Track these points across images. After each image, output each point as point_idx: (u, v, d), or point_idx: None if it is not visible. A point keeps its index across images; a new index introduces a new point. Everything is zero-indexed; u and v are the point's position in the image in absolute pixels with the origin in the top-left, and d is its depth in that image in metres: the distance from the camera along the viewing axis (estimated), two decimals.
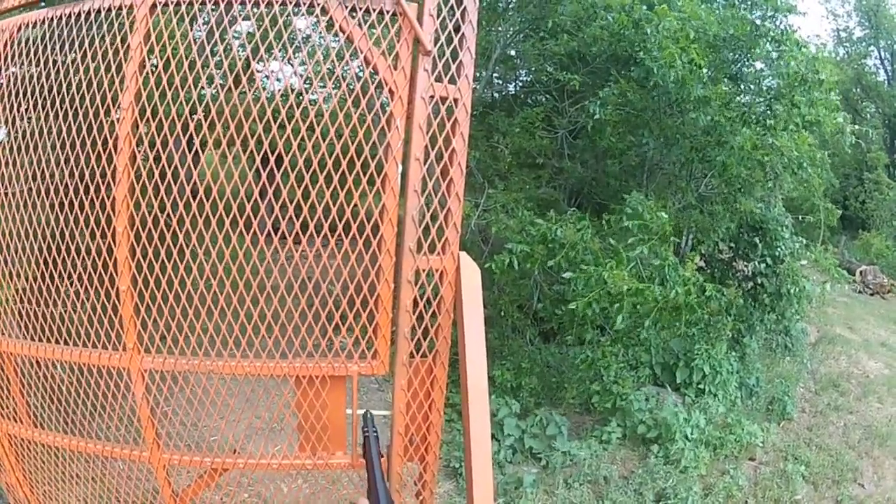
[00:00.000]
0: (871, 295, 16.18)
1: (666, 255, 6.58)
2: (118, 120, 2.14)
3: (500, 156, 8.55)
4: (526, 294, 8.44)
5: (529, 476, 6.91)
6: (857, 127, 8.99)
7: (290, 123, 2.04)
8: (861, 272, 16.59)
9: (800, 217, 10.40)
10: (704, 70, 7.12)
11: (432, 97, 2.04)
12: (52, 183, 2.37)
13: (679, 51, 6.81)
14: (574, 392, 8.00)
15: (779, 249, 9.03)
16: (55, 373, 2.72)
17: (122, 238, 2.20)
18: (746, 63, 8.60)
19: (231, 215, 2.13)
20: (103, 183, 2.23)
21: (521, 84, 10.80)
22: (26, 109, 2.35)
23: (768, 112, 8.10)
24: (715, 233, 8.53)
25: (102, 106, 2.17)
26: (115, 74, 2.14)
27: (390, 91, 2.06)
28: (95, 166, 2.21)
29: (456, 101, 2.07)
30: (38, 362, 2.72)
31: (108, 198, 2.21)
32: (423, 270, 2.04)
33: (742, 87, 8.76)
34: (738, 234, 9.21)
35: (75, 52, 2.23)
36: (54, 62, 2.27)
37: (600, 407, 7.81)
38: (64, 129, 2.24)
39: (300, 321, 2.14)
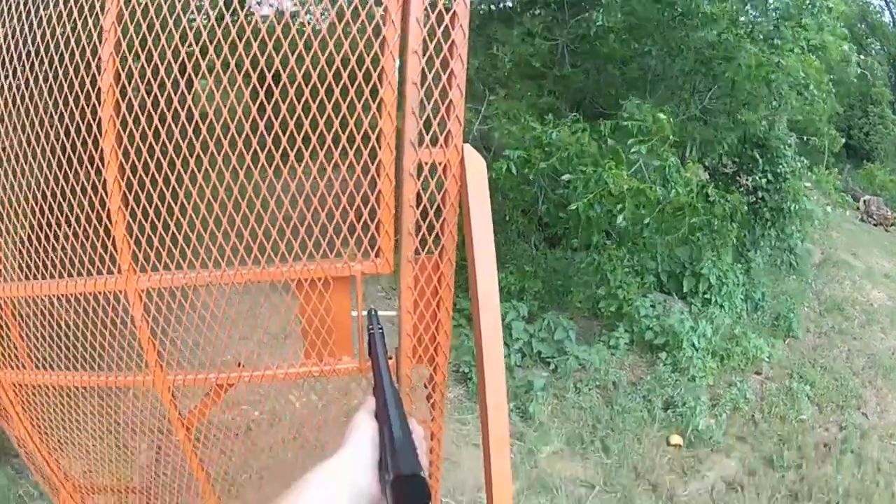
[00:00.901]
0: (875, 226, 16.18)
1: (666, 155, 6.49)
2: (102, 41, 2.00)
3: (500, 64, 8.40)
4: (530, 199, 8.38)
5: (540, 380, 7.01)
6: (862, 57, 8.86)
7: (286, 40, 1.92)
8: (865, 201, 16.60)
9: (804, 139, 10.28)
10: None
11: None
12: (41, 128, 2.24)
13: None
14: (581, 296, 8.06)
15: (780, 166, 9.04)
16: (53, 310, 2.65)
17: (111, 157, 2.10)
18: None
19: (229, 136, 2.02)
20: (89, 107, 2.11)
21: None
22: (13, 65, 2.20)
23: (775, 31, 7.94)
24: (719, 145, 8.47)
25: (84, 31, 2.04)
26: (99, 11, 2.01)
27: (385, 10, 1.93)
28: (80, 91, 2.09)
29: None
30: (35, 301, 2.64)
31: (95, 120, 2.09)
32: (426, 164, 1.94)
33: (749, 5, 8.55)
34: (742, 149, 9.16)
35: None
36: (35, 9, 2.13)
37: (606, 311, 7.89)
38: (46, 61, 2.13)
39: (299, 224, 2.05)
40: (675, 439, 6.58)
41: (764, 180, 9.01)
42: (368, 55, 1.92)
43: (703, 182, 7.19)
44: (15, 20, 2.17)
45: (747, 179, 9.30)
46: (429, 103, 1.93)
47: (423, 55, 1.91)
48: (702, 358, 7.54)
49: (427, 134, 1.93)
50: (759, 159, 8.99)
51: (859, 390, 7.89)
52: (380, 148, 1.96)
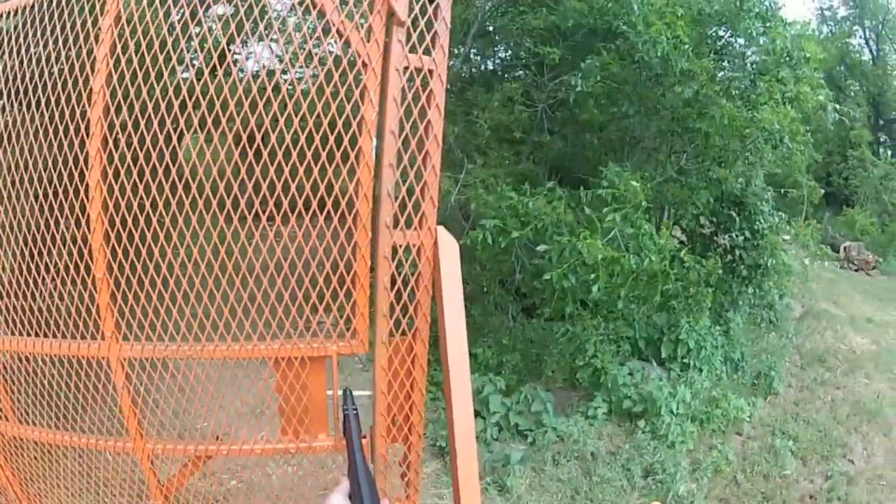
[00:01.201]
0: (856, 271, 16.38)
1: (640, 223, 6.56)
2: (91, 104, 2.06)
3: (479, 131, 8.49)
4: (507, 269, 8.40)
5: (517, 453, 6.95)
6: (838, 106, 9.04)
7: (262, 103, 1.97)
8: (845, 248, 16.74)
9: (783, 191, 10.43)
10: (688, 46, 7.11)
11: (406, 68, 1.99)
12: (27, 174, 2.28)
13: (665, 27, 6.79)
14: (556, 367, 8.06)
15: (758, 223, 9.08)
16: (38, 367, 2.65)
17: (97, 224, 2.13)
18: (730, 38, 8.60)
19: (204, 197, 2.06)
20: (77, 170, 2.15)
21: (499, 60, 10.77)
22: (6, 101, 2.28)
23: (751, 86, 8.15)
24: (693, 205, 8.53)
25: (74, 91, 2.10)
26: (86, 59, 2.07)
27: (363, 64, 2.00)
28: (69, 152, 2.14)
29: (431, 71, 2.02)
30: (20, 357, 2.65)
31: (82, 184, 2.14)
32: (401, 246, 1.99)
33: (726, 62, 8.77)
34: (719, 207, 9.22)
35: (47, 38, 2.16)
36: (26, 50, 2.21)
37: (584, 382, 7.87)
38: (37, 118, 2.19)
39: (277, 303, 2.09)
40: None
41: (741, 238, 9.06)
42: (347, 134, 1.98)
43: (676, 248, 7.22)
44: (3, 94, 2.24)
45: (725, 238, 9.38)
46: (404, 185, 2.00)
47: (399, 136, 1.99)
48: (681, 424, 7.52)
49: (402, 216, 2.00)
50: (735, 217, 9.06)
51: (844, 438, 7.90)
52: (356, 229, 2.01)
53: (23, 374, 2.68)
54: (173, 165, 2.07)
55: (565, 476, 6.82)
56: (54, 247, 2.27)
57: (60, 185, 2.19)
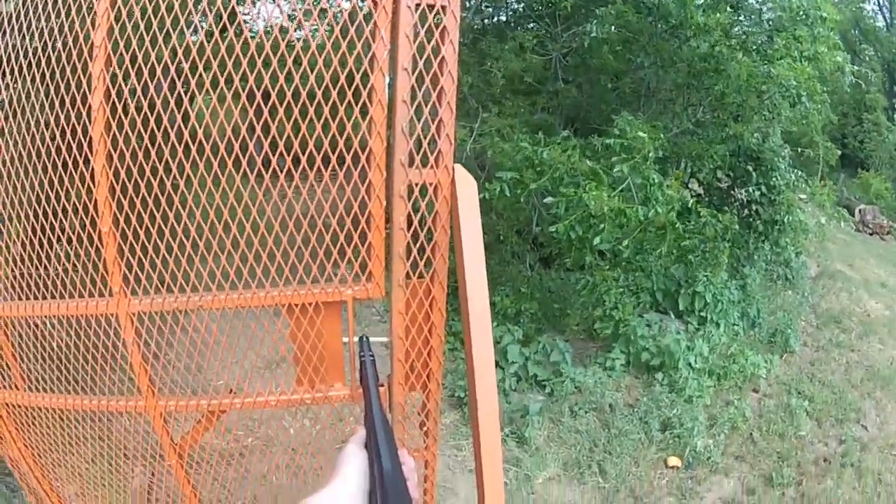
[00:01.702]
0: (871, 234, 16.19)
1: (648, 173, 6.43)
2: (92, 59, 1.97)
3: (493, 81, 8.34)
4: (524, 219, 8.36)
5: (535, 404, 6.93)
6: (856, 68, 8.85)
7: (276, 60, 1.90)
8: (860, 211, 16.58)
9: (799, 150, 10.27)
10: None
11: (418, 5, 1.89)
12: (34, 146, 2.21)
13: None
14: (577, 318, 7.96)
15: (774, 179, 8.90)
16: (46, 331, 2.60)
17: (101, 178, 2.05)
18: None
19: (219, 156, 1.98)
20: (80, 125, 2.07)
21: (511, 11, 10.55)
22: (5, 81, 2.20)
23: (768, 43, 7.98)
24: (710, 159, 8.40)
25: (76, 48, 2.01)
26: (86, 15, 1.99)
27: (373, 1, 1.90)
28: (71, 109, 2.06)
29: (444, 7, 1.91)
30: (28, 322, 2.60)
31: (85, 139, 2.06)
32: (416, 185, 1.90)
33: (742, 16, 8.58)
34: (735, 162, 9.07)
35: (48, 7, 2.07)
36: (29, 24, 2.12)
37: (603, 333, 7.78)
38: (42, 89, 2.11)
39: (290, 247, 2.02)
40: (673, 461, 6.48)
41: (757, 193, 8.90)
42: (358, 73, 1.90)
43: (687, 200, 7.09)
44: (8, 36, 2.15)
45: (741, 193, 9.25)
46: (419, 122, 1.91)
47: (413, 72, 1.89)
48: (698, 378, 7.45)
49: (417, 154, 1.91)
50: (752, 172, 8.89)
51: (858, 403, 7.81)
52: (369, 168, 1.92)
53: (31, 340, 2.64)
54: (185, 126, 2.01)
55: (583, 428, 6.78)
56: (59, 205, 2.20)
57: (63, 142, 2.11)
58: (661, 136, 6.76)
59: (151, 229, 2.10)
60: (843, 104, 17.16)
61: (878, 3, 22.13)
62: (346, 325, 2.14)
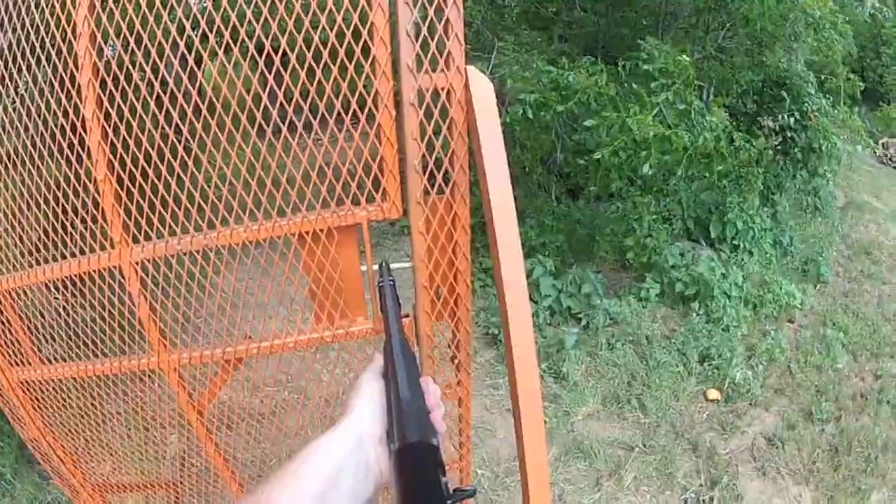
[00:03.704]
0: (894, 168, 16.01)
1: (691, 99, 6.20)
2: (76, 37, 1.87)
3: (506, 12, 8.17)
4: (548, 148, 8.15)
5: (571, 337, 6.80)
6: (874, 2, 8.56)
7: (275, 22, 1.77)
8: (884, 143, 16.37)
9: (821, 79, 9.95)
10: None
11: None
12: (37, 133, 2.12)
13: None
14: (607, 247, 7.81)
15: (806, 104, 8.61)
16: (52, 297, 2.53)
17: (93, 123, 1.92)
18: None
19: (231, 115, 1.86)
20: (66, 71, 1.95)
21: None
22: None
23: None
24: (737, 84, 8.19)
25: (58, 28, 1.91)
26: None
27: None
28: (61, 88, 1.98)
29: None
30: (34, 292, 2.56)
31: (74, 86, 1.94)
32: (427, 90, 1.71)
33: None
34: (762, 88, 8.82)
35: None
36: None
37: (636, 262, 7.63)
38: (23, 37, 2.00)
39: (295, 170, 1.88)
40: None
41: (791, 119, 8.57)
42: (356, 10, 1.74)
43: (728, 127, 6.87)
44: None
45: (771, 120, 8.95)
46: (424, 24, 1.72)
47: None
48: (735, 307, 7.29)
49: (426, 57, 1.72)
50: (784, 97, 8.56)
51: (892, 337, 7.62)
52: (375, 76, 1.75)
53: (39, 310, 2.59)
54: (194, 88, 1.89)
55: (621, 360, 6.66)
56: (52, 160, 2.12)
57: (53, 96, 1.99)
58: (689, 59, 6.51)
59: (148, 169, 1.98)
60: (862, 36, 16.72)
61: None
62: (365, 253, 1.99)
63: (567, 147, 7.89)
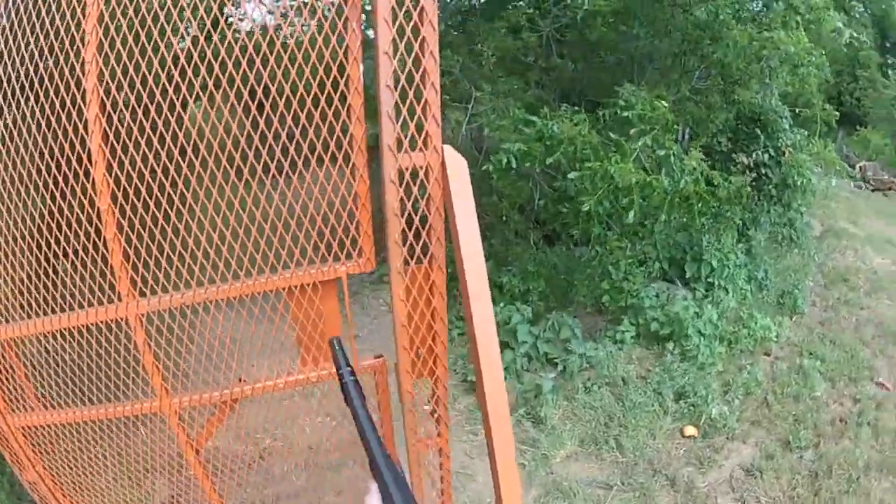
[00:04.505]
0: (873, 191, 16.15)
1: (670, 144, 6.38)
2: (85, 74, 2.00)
3: (484, 61, 8.30)
4: (526, 196, 8.28)
5: (548, 382, 6.93)
6: (852, 32, 8.78)
7: (259, 60, 1.95)
8: (861, 167, 16.47)
9: (796, 111, 10.21)
10: None
11: None
12: (33, 163, 2.25)
13: None
14: (585, 291, 7.92)
15: (780, 140, 8.84)
16: (59, 346, 2.61)
17: (103, 187, 2.08)
18: None
19: (214, 156, 2.04)
20: (76, 135, 2.11)
21: None
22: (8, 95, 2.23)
23: (764, 12, 7.93)
24: (713, 123, 8.35)
25: (67, 65, 2.04)
26: (75, 32, 2.03)
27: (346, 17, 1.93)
28: (67, 123, 2.10)
29: None
30: (39, 340, 2.64)
31: (84, 150, 2.11)
32: (407, 169, 1.91)
33: None
34: (736, 125, 9.01)
35: (34, 22, 2.11)
36: (23, 38, 2.14)
37: (612, 306, 7.76)
38: (37, 107, 2.15)
39: (285, 232, 2.10)
40: (690, 430, 6.48)
41: (766, 155, 8.81)
42: (335, 64, 1.93)
43: (705, 169, 7.06)
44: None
45: (746, 157, 9.12)
46: (404, 105, 1.92)
47: (395, 56, 1.91)
48: (709, 345, 7.43)
49: (405, 138, 1.93)
50: (758, 134, 8.79)
51: (871, 361, 7.76)
52: (352, 151, 1.95)
53: (44, 357, 2.68)
54: (180, 130, 2.03)
55: (598, 403, 6.78)
56: (63, 218, 2.24)
57: (63, 157, 2.14)
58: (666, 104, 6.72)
59: (154, 230, 2.14)
60: (838, 61, 16.98)
61: None
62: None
63: (545, 194, 8.02)
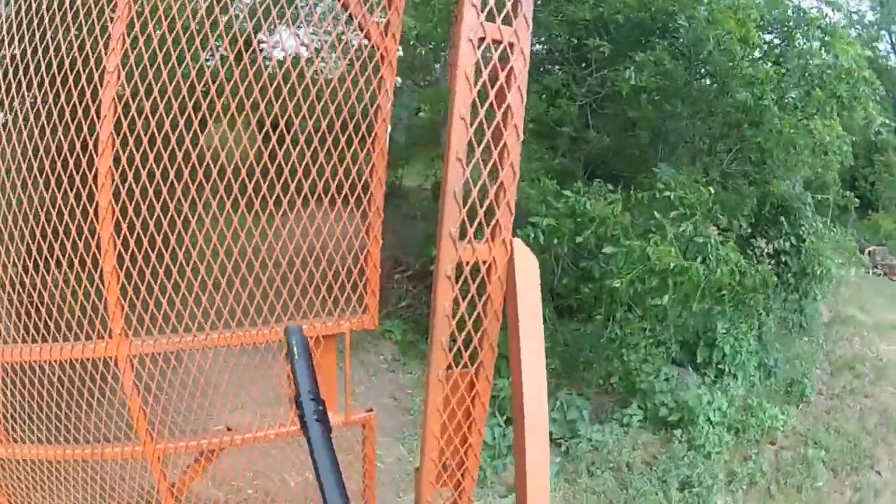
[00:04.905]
0: (881, 276, 15.86)
1: (708, 232, 6.24)
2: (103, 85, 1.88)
3: None
4: (547, 270, 7.97)
5: (552, 466, 6.59)
6: (884, 120, 8.75)
7: (286, 91, 1.84)
8: (870, 252, 16.32)
9: (815, 197, 10.12)
10: (756, 50, 6.80)
11: (482, 39, 1.63)
12: (36, 162, 2.11)
13: (737, 25, 6.41)
14: (602, 372, 7.73)
15: (802, 228, 8.76)
16: (35, 377, 2.45)
17: (107, 214, 1.92)
18: (786, 47, 8.31)
19: (225, 183, 1.94)
20: (85, 156, 1.99)
21: (535, 53, 10.24)
22: (20, 89, 2.08)
23: (805, 97, 7.84)
24: (741, 211, 8.26)
25: (85, 71, 1.92)
26: (99, 37, 1.92)
27: (381, 56, 1.81)
28: (76, 137, 1.97)
29: (511, 45, 1.66)
30: (14, 368, 2.45)
31: (91, 171, 1.98)
32: (468, 263, 1.63)
33: (786, 70, 8.32)
34: (759, 211, 8.88)
35: (58, 21, 2.00)
36: (42, 35, 2.02)
37: (621, 388, 7.60)
38: (51, 101, 1.99)
39: (296, 284, 2.02)
40: None
41: (787, 244, 8.72)
42: (364, 122, 1.86)
43: (740, 259, 6.89)
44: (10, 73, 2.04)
45: (767, 244, 9.06)
46: (475, 186, 1.65)
47: (472, 123, 1.64)
48: (718, 434, 7.24)
49: (471, 226, 1.65)
50: (782, 222, 8.70)
51: (872, 449, 7.71)
52: (370, 211, 1.87)
53: (17, 387, 2.47)
54: (194, 150, 1.91)
55: (600, 488, 6.56)
56: (57, 240, 2.09)
57: (65, 172, 2.00)
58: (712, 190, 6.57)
59: (159, 266, 2.03)
60: (856, 146, 17.02)
61: (891, 41, 21.89)
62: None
63: (566, 270, 7.86)
